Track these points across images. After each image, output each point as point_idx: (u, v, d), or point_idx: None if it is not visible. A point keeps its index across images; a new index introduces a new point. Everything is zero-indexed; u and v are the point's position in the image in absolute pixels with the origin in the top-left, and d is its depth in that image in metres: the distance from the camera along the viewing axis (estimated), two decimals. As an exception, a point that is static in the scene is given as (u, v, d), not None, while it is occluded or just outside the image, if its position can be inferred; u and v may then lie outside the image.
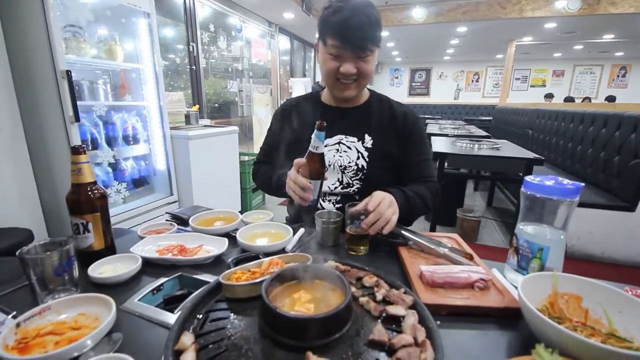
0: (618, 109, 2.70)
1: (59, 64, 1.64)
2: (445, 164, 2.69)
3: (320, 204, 1.06)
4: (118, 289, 0.64)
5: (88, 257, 0.69)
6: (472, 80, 10.41)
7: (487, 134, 4.30)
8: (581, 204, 2.42)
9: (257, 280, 0.55)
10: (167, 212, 1.06)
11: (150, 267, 0.72)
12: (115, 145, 2.15)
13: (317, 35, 1.00)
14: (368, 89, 1.10)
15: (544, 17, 5.23)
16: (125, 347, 0.49)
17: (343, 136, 1.03)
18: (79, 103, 1.73)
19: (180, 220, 0.98)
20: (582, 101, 7.59)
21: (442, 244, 0.77)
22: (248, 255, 0.75)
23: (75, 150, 0.67)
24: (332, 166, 1.03)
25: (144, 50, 2.26)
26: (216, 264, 0.75)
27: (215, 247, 0.79)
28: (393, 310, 0.51)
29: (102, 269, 0.68)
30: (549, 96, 7.71)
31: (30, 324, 0.50)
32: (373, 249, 0.83)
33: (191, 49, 3.90)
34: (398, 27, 5.82)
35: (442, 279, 0.62)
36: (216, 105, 4.68)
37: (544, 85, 9.78)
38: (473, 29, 6.24)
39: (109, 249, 0.74)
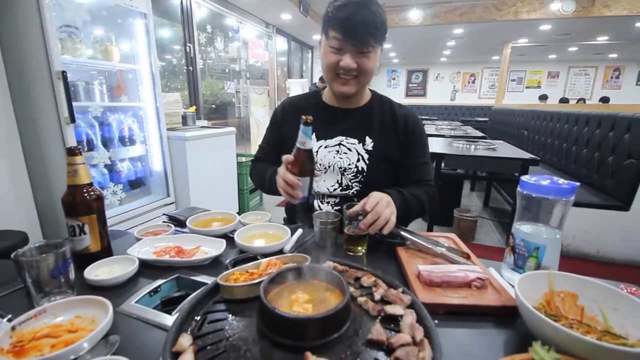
0: (611, 110, 2.73)
1: (55, 65, 1.63)
2: (442, 165, 2.70)
3: (319, 205, 1.06)
4: (115, 291, 0.64)
5: (84, 259, 0.69)
6: (469, 82, 10.47)
7: (483, 134, 4.33)
8: (576, 204, 2.47)
9: (255, 281, 0.55)
10: (164, 214, 1.06)
11: (147, 268, 0.72)
12: (111, 146, 2.14)
13: (319, 38, 1.00)
14: (370, 90, 1.09)
15: (539, 19, 5.27)
16: (123, 349, 0.49)
17: (344, 138, 1.02)
18: (74, 104, 1.72)
19: (178, 222, 0.98)
20: (576, 102, 7.66)
21: (439, 243, 0.78)
22: (246, 257, 0.74)
23: (71, 152, 0.67)
24: (331, 167, 1.02)
25: (141, 51, 2.25)
26: (214, 265, 0.75)
27: (212, 248, 0.78)
28: (391, 309, 0.51)
29: (99, 271, 0.67)
30: (543, 97, 7.78)
31: (26, 327, 0.50)
32: (371, 250, 0.83)
33: (188, 50, 3.89)
34: (395, 28, 5.85)
35: (440, 278, 0.62)
36: (213, 106, 4.67)
37: (539, 87, 9.86)
38: (469, 31, 6.28)
39: (106, 251, 0.74)
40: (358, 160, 1.01)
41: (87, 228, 0.69)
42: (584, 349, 0.44)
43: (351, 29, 0.86)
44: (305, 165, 0.78)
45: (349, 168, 1.01)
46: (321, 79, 5.34)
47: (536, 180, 0.65)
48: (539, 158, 2.57)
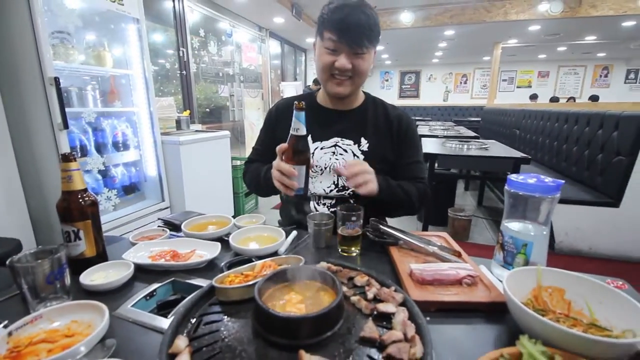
0: (600, 108, 2.78)
1: (47, 71, 1.63)
2: (436, 165, 2.73)
3: (315, 206, 1.07)
4: (111, 295, 0.64)
5: (79, 264, 0.69)
6: (461, 82, 10.57)
7: (476, 134, 4.38)
8: (568, 201, 2.51)
9: (250, 282, 0.56)
10: (159, 218, 1.06)
11: (143, 273, 0.72)
12: (105, 151, 2.13)
13: (313, 41, 1.02)
14: (363, 92, 1.11)
15: (528, 20, 5.36)
16: (119, 352, 0.49)
17: (339, 139, 1.04)
18: (67, 110, 1.72)
19: (173, 226, 0.98)
20: (567, 101, 7.78)
21: (431, 242, 0.79)
22: (241, 259, 0.75)
23: (66, 158, 0.67)
24: (327, 169, 1.04)
25: (134, 56, 2.25)
26: (209, 268, 0.76)
27: (208, 251, 0.79)
28: (383, 307, 0.52)
29: (94, 276, 0.68)
30: (534, 97, 7.89)
31: (23, 333, 0.50)
32: (365, 250, 0.84)
33: (181, 54, 3.89)
34: (387, 30, 5.90)
35: (431, 276, 0.64)
36: (207, 110, 4.66)
37: (530, 86, 9.99)
38: (460, 32, 6.35)
39: (101, 256, 0.74)
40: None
41: (82, 234, 0.69)
42: (570, 341, 0.45)
43: (346, 30, 0.88)
44: (300, 152, 0.77)
45: None
46: (315, 81, 5.37)
47: (523, 179, 0.67)
48: (530, 157, 2.61)
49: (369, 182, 0.85)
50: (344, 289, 0.57)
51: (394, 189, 0.95)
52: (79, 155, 1.95)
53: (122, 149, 2.26)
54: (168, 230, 0.92)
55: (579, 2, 4.96)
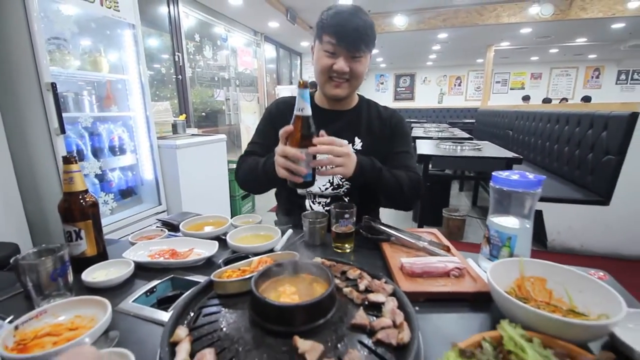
0: (590, 109, 2.84)
1: (44, 77, 1.64)
2: (430, 166, 2.77)
3: (310, 205, 1.09)
4: (112, 292, 0.66)
5: (81, 263, 0.71)
6: (455, 85, 10.70)
7: (469, 135, 4.43)
8: (560, 200, 2.56)
9: (247, 276, 0.58)
10: (157, 219, 1.08)
11: (143, 271, 0.74)
12: (102, 156, 2.15)
13: (307, 44, 1.04)
14: (357, 94, 1.14)
15: (520, 23, 5.46)
16: (122, 343, 0.51)
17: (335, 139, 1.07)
18: (64, 114, 1.73)
19: (171, 226, 1.00)
20: (559, 102, 7.90)
21: (421, 238, 0.82)
22: (238, 256, 0.78)
23: (67, 160, 0.70)
24: (324, 168, 1.06)
25: (130, 61, 2.28)
26: (207, 265, 0.78)
27: (205, 250, 0.81)
28: (374, 297, 0.55)
29: (95, 274, 0.70)
30: (526, 98, 8.01)
31: (28, 327, 0.52)
32: (358, 247, 0.87)
33: (177, 59, 3.91)
34: (382, 34, 5.97)
35: (421, 269, 0.67)
36: (203, 114, 4.69)
37: (523, 88, 10.14)
38: (453, 36, 6.45)
39: (101, 256, 0.76)
40: None
41: (83, 233, 0.71)
42: (548, 325, 0.48)
43: (345, 35, 0.92)
44: (307, 134, 0.73)
45: None
46: (311, 84, 5.41)
47: (507, 175, 0.70)
48: (522, 157, 2.66)
49: (341, 167, 0.81)
50: (337, 281, 0.60)
51: (381, 172, 0.92)
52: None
53: (118, 153, 2.28)
54: (166, 230, 0.95)
55: (568, 5, 5.06)
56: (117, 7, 2.03)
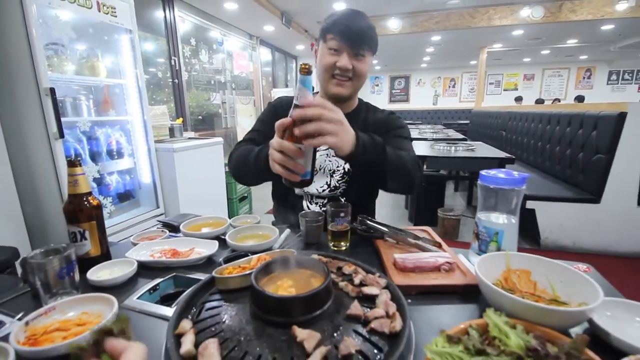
0: (580, 109, 2.90)
1: (42, 82, 1.67)
2: (425, 167, 2.82)
3: (308, 205, 1.12)
4: (116, 290, 0.69)
5: (85, 263, 0.73)
6: (449, 86, 10.81)
7: (463, 136, 4.50)
8: (552, 198, 2.61)
9: (247, 272, 0.61)
10: (158, 220, 1.11)
11: (146, 270, 0.77)
12: (100, 160, 2.17)
13: (315, 48, 1.06)
14: (358, 97, 1.16)
15: (511, 25, 5.55)
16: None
17: None
18: (62, 119, 1.75)
19: (171, 227, 1.03)
20: (552, 102, 8.02)
21: (414, 235, 0.86)
22: (237, 254, 0.80)
23: (72, 163, 0.72)
24: (322, 170, 1.09)
25: (127, 66, 2.30)
26: (208, 264, 0.81)
27: (206, 249, 0.84)
28: (368, 290, 0.58)
29: (100, 274, 0.72)
30: (519, 99, 8.12)
31: (38, 323, 0.55)
32: (353, 245, 0.90)
33: (173, 63, 3.94)
34: (376, 37, 6.04)
35: (413, 263, 0.70)
36: (200, 117, 4.71)
37: (516, 89, 10.27)
38: (446, 38, 6.54)
39: (105, 256, 0.79)
40: (345, 162, 1.08)
41: (87, 234, 0.74)
42: (531, 312, 0.52)
43: (348, 32, 0.95)
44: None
45: (337, 170, 1.08)
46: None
47: (494, 174, 0.74)
48: (514, 157, 2.71)
49: (332, 136, 0.67)
50: (333, 276, 0.63)
51: (381, 147, 0.80)
52: (74, 163, 1.98)
53: (116, 157, 2.30)
54: (167, 231, 0.97)
55: (559, 8, 5.16)
56: (115, 12, 2.05)
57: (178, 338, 0.48)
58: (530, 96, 9.37)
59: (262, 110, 1.20)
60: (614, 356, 0.44)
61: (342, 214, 0.85)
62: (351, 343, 0.46)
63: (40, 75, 1.66)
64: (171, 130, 2.91)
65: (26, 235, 1.82)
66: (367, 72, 1.03)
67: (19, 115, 1.71)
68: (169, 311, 0.61)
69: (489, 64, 8.38)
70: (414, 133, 4.97)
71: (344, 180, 1.09)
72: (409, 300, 0.63)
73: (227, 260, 0.75)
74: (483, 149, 3.06)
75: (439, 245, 0.81)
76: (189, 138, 3.01)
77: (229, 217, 1.03)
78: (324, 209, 1.10)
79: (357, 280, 0.63)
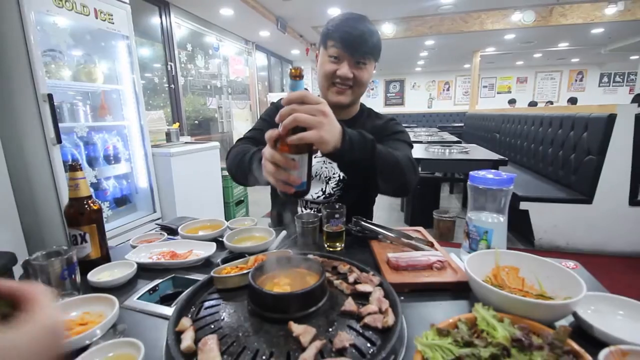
0: (571, 111, 2.96)
1: (40, 88, 1.68)
2: (420, 169, 2.85)
3: (302, 210, 1.13)
4: (117, 291, 0.70)
5: (86, 265, 0.75)
6: (444, 89, 10.92)
7: (458, 139, 4.55)
8: (545, 199, 2.65)
9: (244, 272, 0.63)
10: (156, 224, 1.12)
11: (145, 271, 0.78)
12: (97, 165, 2.17)
13: (316, 53, 1.03)
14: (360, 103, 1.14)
15: (503, 29, 5.64)
16: (129, 336, 0.55)
17: None
18: (60, 125, 1.77)
19: (169, 231, 1.04)
20: (545, 105, 8.13)
21: (407, 235, 0.88)
22: (235, 255, 0.82)
23: (73, 168, 0.74)
24: (318, 176, 1.09)
25: (124, 72, 2.32)
26: (206, 265, 0.82)
27: (204, 251, 0.86)
28: (362, 287, 0.60)
29: (100, 275, 0.74)
30: (512, 101, 8.23)
31: (41, 323, 0.56)
32: (348, 245, 0.92)
33: (169, 68, 3.96)
34: (370, 41, 6.10)
35: (406, 262, 0.72)
36: (196, 122, 4.72)
37: (510, 92, 10.40)
38: (440, 42, 6.62)
39: (105, 258, 0.80)
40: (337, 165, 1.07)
41: (88, 237, 0.75)
42: (517, 306, 0.54)
43: (349, 40, 0.92)
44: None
45: (333, 177, 1.09)
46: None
47: (483, 175, 0.76)
48: (507, 159, 2.75)
49: (315, 129, 0.59)
50: (328, 275, 0.65)
51: (372, 143, 0.74)
52: (71, 169, 1.99)
53: (113, 162, 2.31)
54: (165, 234, 0.99)
55: (549, 12, 5.25)
56: (112, 19, 2.07)
57: (178, 335, 0.50)
58: (524, 99, 9.49)
59: (261, 112, 1.18)
60: (599, 348, 0.46)
61: (336, 215, 0.87)
62: (345, 337, 0.48)
63: (38, 82, 1.67)
64: (168, 135, 2.92)
65: (23, 241, 1.82)
66: (368, 80, 1.00)
67: (17, 121, 1.72)
68: (168, 311, 0.62)
69: (483, 67, 8.49)
70: (409, 136, 5.01)
71: (339, 187, 1.09)
72: (402, 298, 0.65)
73: (225, 261, 0.77)
74: (477, 151, 3.11)
75: (431, 245, 0.84)
76: (186, 143, 3.02)
77: (226, 220, 1.05)
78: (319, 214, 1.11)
79: (351, 279, 0.65)
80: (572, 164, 2.80)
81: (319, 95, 1.07)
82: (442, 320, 0.57)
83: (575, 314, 0.57)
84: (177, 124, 3.68)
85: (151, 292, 0.71)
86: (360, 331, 0.50)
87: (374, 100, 11.30)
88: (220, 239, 0.92)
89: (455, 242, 2.96)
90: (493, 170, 0.79)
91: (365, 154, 0.72)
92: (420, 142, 4.12)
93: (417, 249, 0.82)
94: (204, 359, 0.44)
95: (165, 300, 0.69)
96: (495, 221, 0.74)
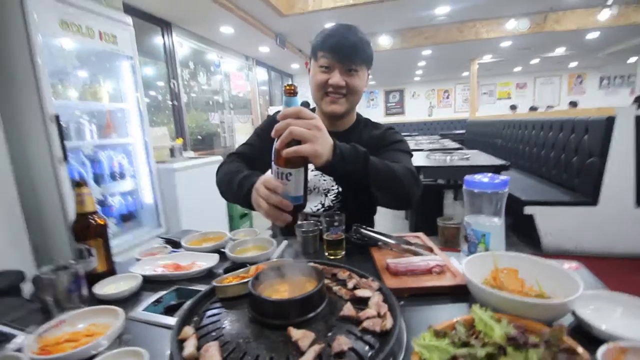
0: (570, 115, 2.97)
1: (48, 109, 1.73)
2: (422, 177, 2.86)
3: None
4: (122, 304, 0.71)
5: (92, 279, 0.76)
6: (443, 97, 11.00)
7: (459, 146, 4.56)
8: (549, 203, 2.64)
9: (245, 280, 0.64)
10: (160, 237, 1.14)
11: (150, 283, 0.80)
12: (103, 182, 2.21)
13: (308, 67, 1.05)
14: (357, 112, 1.13)
15: (499, 37, 5.72)
16: (135, 345, 0.56)
17: None
18: (66, 143, 1.81)
19: (173, 244, 1.06)
20: (545, 109, 8.15)
21: (407, 241, 0.89)
22: (237, 265, 0.83)
23: (78, 184, 0.77)
24: (317, 189, 1.10)
25: (128, 90, 2.38)
26: (209, 276, 0.84)
27: (207, 262, 0.87)
28: (361, 293, 0.61)
29: (106, 288, 0.75)
30: (513, 107, 8.27)
31: (50, 335, 0.58)
32: (349, 253, 0.93)
33: (172, 86, 4.05)
34: (368, 53, 6.21)
35: (405, 267, 0.73)
36: (199, 137, 4.80)
37: (510, 97, 10.45)
38: (437, 52, 6.72)
39: (111, 272, 0.82)
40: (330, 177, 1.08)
41: (94, 251, 0.77)
42: (515, 306, 0.54)
43: (339, 48, 0.93)
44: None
45: (332, 189, 1.09)
46: (304, 103, 5.58)
47: (478, 179, 0.78)
48: (508, 163, 2.76)
49: (309, 143, 0.62)
50: (327, 281, 0.66)
51: (365, 156, 0.75)
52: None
53: (118, 178, 2.35)
54: (169, 247, 1.00)
55: (543, 19, 5.33)
56: (116, 41, 2.15)
57: (181, 343, 0.51)
58: (525, 104, 9.53)
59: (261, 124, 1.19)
60: (599, 346, 0.47)
61: (336, 223, 0.88)
62: (344, 341, 0.48)
63: (45, 103, 1.73)
64: (171, 150, 2.98)
65: (32, 258, 1.85)
66: (362, 87, 1.00)
67: (25, 141, 1.77)
68: (172, 321, 0.63)
69: (481, 74, 8.57)
70: (410, 144, 4.99)
71: (338, 200, 1.09)
72: (402, 303, 0.65)
73: (227, 270, 0.78)
74: (478, 157, 3.12)
75: (431, 250, 0.84)
76: (189, 158, 3.07)
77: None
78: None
79: (350, 285, 0.66)
80: (575, 166, 2.80)
81: (314, 109, 1.10)
82: (440, 322, 0.58)
83: (574, 313, 0.57)
84: (181, 139, 3.74)
85: (156, 303, 0.72)
86: (359, 335, 0.51)
87: (375, 110, 11.40)
88: (223, 250, 0.94)
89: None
90: (488, 174, 0.80)
91: (357, 165, 0.74)
92: (422, 150, 4.14)
93: (416, 254, 0.83)
94: (206, 365, 0.45)
95: (170, 311, 0.70)
96: (492, 224, 0.75)
